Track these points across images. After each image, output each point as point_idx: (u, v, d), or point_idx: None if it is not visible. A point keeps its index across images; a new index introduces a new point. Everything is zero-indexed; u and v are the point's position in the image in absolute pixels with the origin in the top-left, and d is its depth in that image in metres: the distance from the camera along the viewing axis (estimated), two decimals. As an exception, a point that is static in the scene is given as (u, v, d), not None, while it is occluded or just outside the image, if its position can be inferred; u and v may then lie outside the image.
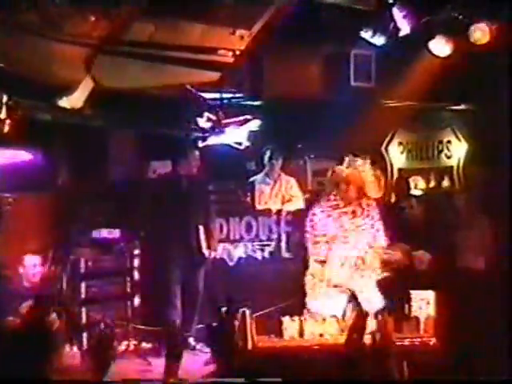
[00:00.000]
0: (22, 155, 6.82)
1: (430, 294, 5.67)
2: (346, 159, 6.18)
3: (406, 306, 5.63)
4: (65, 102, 5.91)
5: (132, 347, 7.27)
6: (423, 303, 5.62)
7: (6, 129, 5.81)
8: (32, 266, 6.63)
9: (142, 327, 7.35)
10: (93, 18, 5.48)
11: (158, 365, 6.82)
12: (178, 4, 5.52)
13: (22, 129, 5.94)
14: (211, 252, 7.41)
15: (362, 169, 6.15)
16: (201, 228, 7.39)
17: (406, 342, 5.53)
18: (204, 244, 7.39)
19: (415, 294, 5.69)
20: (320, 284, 5.89)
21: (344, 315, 5.72)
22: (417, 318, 5.59)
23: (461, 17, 6.53)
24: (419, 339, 5.54)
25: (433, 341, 5.52)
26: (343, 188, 6.09)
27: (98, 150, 7.45)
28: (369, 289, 5.81)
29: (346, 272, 5.89)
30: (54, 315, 6.52)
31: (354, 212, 6.09)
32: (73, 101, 5.89)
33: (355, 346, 5.19)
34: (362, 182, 6.07)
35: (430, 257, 6.90)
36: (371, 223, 6.09)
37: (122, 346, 7.23)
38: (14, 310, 6.45)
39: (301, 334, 5.64)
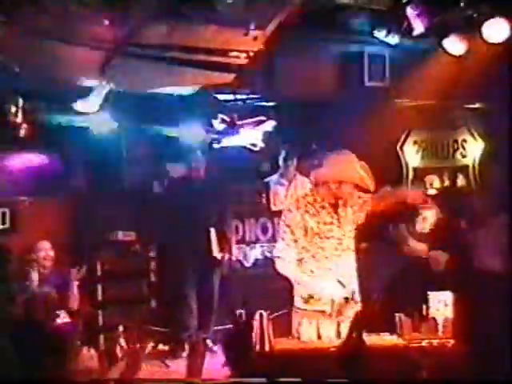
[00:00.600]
0: (38, 158, 6.87)
1: (447, 296, 5.62)
2: None
3: (424, 306, 5.59)
4: (80, 106, 5.93)
5: (149, 349, 7.30)
6: (441, 304, 5.58)
7: (23, 132, 5.84)
8: (44, 250, 6.66)
9: (159, 329, 7.37)
10: (107, 22, 5.48)
11: (176, 367, 6.86)
12: (192, 6, 5.51)
13: (37, 132, 5.96)
14: (227, 254, 7.42)
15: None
16: (213, 231, 7.40)
17: (424, 344, 5.49)
18: (219, 246, 7.40)
19: (433, 295, 5.63)
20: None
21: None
22: (435, 320, 5.54)
23: (475, 15, 6.49)
24: (437, 341, 5.49)
25: (451, 342, 5.48)
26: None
27: (113, 153, 7.46)
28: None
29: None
30: (65, 315, 6.57)
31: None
32: (88, 104, 5.91)
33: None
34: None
35: (447, 257, 6.87)
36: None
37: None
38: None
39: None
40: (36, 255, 6.71)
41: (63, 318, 6.63)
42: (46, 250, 6.72)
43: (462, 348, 5.43)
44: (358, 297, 5.66)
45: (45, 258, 6.71)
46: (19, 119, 5.80)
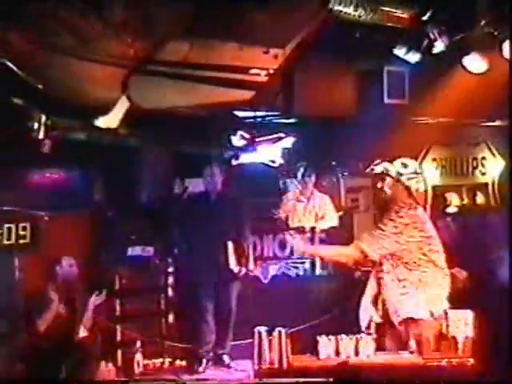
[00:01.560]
0: (59, 174, 6.92)
1: (468, 314, 5.58)
2: None
3: (444, 325, 5.55)
4: (101, 122, 5.97)
5: (167, 364, 7.30)
6: (461, 323, 5.54)
7: (45, 148, 5.89)
8: (68, 266, 6.70)
9: (176, 344, 7.37)
10: (128, 39, 5.54)
11: (193, 383, 6.85)
12: (213, 24, 5.56)
13: (59, 148, 6.01)
14: (243, 269, 7.42)
15: None
16: (233, 245, 7.41)
17: (444, 363, 5.45)
18: (236, 261, 7.40)
19: (453, 314, 5.60)
20: None
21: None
22: (454, 338, 5.51)
23: (495, 33, 6.49)
24: (457, 359, 5.45)
25: (471, 361, 5.44)
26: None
27: (132, 169, 7.51)
28: None
29: None
30: (84, 330, 6.58)
31: None
32: (108, 120, 5.95)
33: None
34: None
35: (466, 274, 6.83)
36: None
37: (157, 364, 7.29)
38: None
39: (337, 353, 5.59)
40: (60, 270, 6.73)
41: (82, 332, 6.66)
42: (70, 265, 6.76)
43: (482, 368, 5.39)
44: None
45: (69, 274, 6.73)
46: (41, 135, 5.86)
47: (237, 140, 7.05)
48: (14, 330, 6.51)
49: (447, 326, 5.54)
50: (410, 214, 5.57)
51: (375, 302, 5.65)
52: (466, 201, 8.63)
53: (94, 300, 6.62)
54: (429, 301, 5.52)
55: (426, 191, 8.78)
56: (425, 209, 8.60)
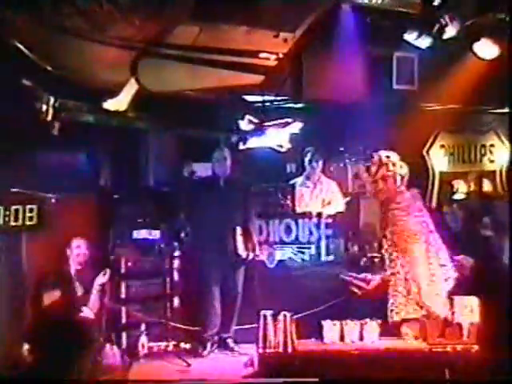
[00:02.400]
0: (67, 156, 6.92)
1: (473, 301, 5.59)
2: None
3: (449, 312, 5.57)
4: (109, 104, 5.96)
5: (171, 347, 7.33)
6: (466, 310, 5.55)
7: (52, 130, 5.89)
8: (77, 248, 6.75)
9: (181, 326, 7.39)
10: (137, 22, 5.52)
11: (197, 366, 6.88)
12: (222, 7, 5.53)
13: (67, 130, 6.01)
14: (249, 254, 7.42)
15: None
16: (240, 230, 7.42)
17: (449, 349, 5.47)
18: (243, 246, 7.41)
19: (458, 300, 5.61)
20: None
21: None
22: (459, 325, 5.52)
23: (506, 19, 6.44)
24: (462, 346, 5.47)
25: (475, 348, 5.46)
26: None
27: (140, 152, 7.50)
28: None
29: None
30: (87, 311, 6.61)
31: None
32: (117, 103, 5.94)
33: None
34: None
35: (472, 262, 6.83)
36: None
37: (161, 346, 7.31)
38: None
39: (341, 338, 5.61)
40: (71, 252, 6.79)
41: (86, 313, 6.68)
42: (81, 247, 6.82)
43: (486, 354, 5.41)
44: None
45: (78, 255, 6.79)
46: (50, 117, 5.86)
47: (245, 124, 7.03)
48: (20, 311, 6.54)
49: (452, 312, 5.56)
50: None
51: None
52: (473, 188, 8.61)
53: (98, 279, 6.68)
54: None
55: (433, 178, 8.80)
56: (431, 195, 8.66)
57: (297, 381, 5.10)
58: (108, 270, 6.71)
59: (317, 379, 4.94)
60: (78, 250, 6.82)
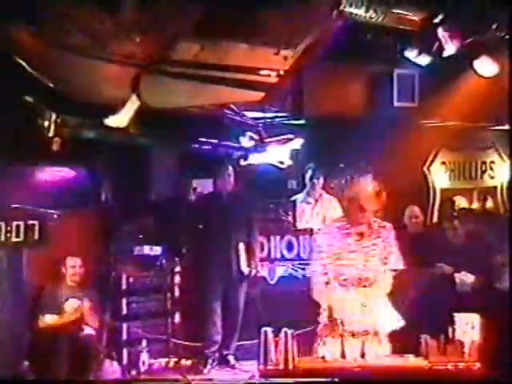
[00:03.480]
0: (68, 172, 6.94)
1: (474, 318, 5.57)
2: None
3: (450, 329, 5.54)
4: (111, 121, 5.98)
5: (172, 364, 7.31)
6: (468, 327, 5.53)
7: (54, 146, 5.91)
8: (72, 267, 6.74)
9: (182, 342, 7.38)
10: (139, 38, 5.55)
11: (198, 382, 6.86)
12: (224, 24, 5.56)
13: (68, 146, 6.03)
14: (252, 270, 7.42)
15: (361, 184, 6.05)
16: (242, 246, 7.42)
17: (450, 366, 5.44)
18: (245, 262, 7.41)
19: (459, 317, 5.59)
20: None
21: None
22: (461, 342, 5.50)
23: (506, 36, 6.47)
24: (463, 363, 5.44)
25: (477, 365, 5.43)
26: (346, 207, 6.08)
27: (141, 168, 7.52)
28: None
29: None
30: (89, 329, 6.60)
31: (361, 234, 5.99)
32: (118, 119, 5.96)
33: None
34: (360, 197, 5.96)
35: (473, 278, 6.82)
36: (383, 245, 5.98)
37: (162, 363, 7.29)
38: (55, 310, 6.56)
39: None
40: (66, 270, 6.80)
41: (87, 330, 6.68)
42: (76, 266, 6.82)
43: (488, 372, 5.38)
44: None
45: (74, 274, 6.80)
46: (51, 133, 5.88)
47: (246, 141, 7.05)
48: (20, 326, 6.53)
49: (454, 329, 5.54)
50: None
51: None
52: (474, 204, 8.61)
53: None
54: None
55: (434, 194, 8.80)
56: (432, 212, 8.66)
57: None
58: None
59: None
60: (73, 270, 6.81)
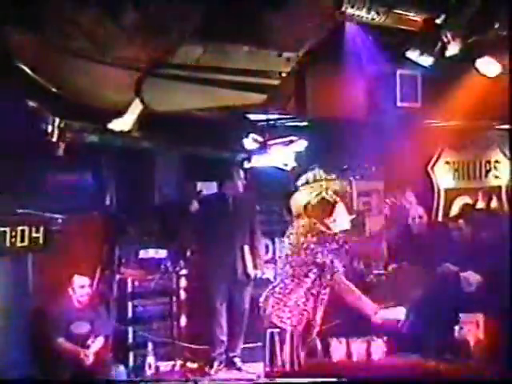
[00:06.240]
0: (73, 177, 6.95)
1: (479, 317, 5.57)
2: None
3: (456, 328, 5.55)
4: (114, 125, 5.99)
5: (178, 367, 7.31)
6: (473, 326, 5.54)
7: (58, 151, 5.93)
8: (80, 287, 6.71)
9: (188, 345, 7.39)
10: (141, 42, 5.56)
11: (204, 384, 6.88)
12: (226, 27, 5.57)
13: (72, 151, 6.05)
14: (257, 272, 7.43)
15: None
16: (247, 248, 7.43)
17: (455, 365, 5.45)
18: (250, 264, 7.41)
19: (464, 317, 5.60)
20: None
21: None
22: (466, 341, 5.51)
23: (509, 36, 6.45)
24: (469, 362, 5.45)
25: (482, 364, 5.43)
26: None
27: (145, 171, 7.53)
28: None
29: None
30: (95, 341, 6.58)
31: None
32: (122, 123, 5.97)
33: None
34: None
35: (478, 278, 6.81)
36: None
37: (168, 366, 7.30)
38: (63, 330, 6.55)
39: (348, 356, 5.60)
40: (73, 290, 6.75)
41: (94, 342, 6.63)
42: (84, 286, 6.76)
43: (493, 370, 5.39)
44: None
45: (82, 295, 6.73)
46: (55, 138, 5.89)
47: (249, 143, 7.05)
48: (25, 331, 6.54)
49: (459, 328, 5.55)
50: None
51: None
52: (479, 204, 8.59)
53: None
54: None
55: (438, 194, 8.79)
56: (437, 212, 8.66)
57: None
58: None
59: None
60: (82, 290, 6.75)
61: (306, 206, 5.73)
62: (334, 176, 5.96)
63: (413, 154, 8.03)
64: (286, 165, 7.19)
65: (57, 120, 5.89)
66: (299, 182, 5.89)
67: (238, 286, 7.37)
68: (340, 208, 5.86)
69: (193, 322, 7.50)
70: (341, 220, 5.98)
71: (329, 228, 5.76)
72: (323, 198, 5.76)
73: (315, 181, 5.86)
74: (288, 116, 7.44)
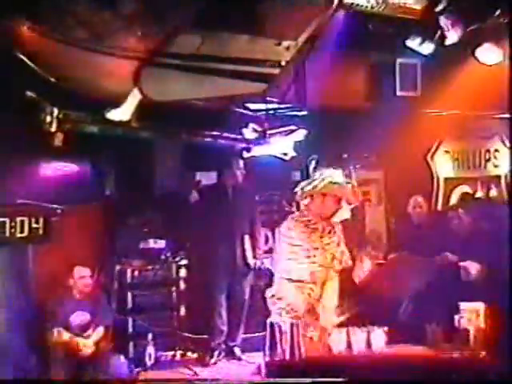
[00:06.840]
0: (71, 167, 6.94)
1: (479, 306, 5.58)
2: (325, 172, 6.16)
3: (456, 317, 5.55)
4: (113, 115, 5.98)
5: (178, 357, 7.33)
6: (473, 315, 5.54)
7: (57, 141, 5.91)
8: (80, 278, 6.71)
9: (189, 335, 7.40)
10: (139, 32, 5.54)
11: (204, 375, 6.89)
12: (224, 16, 5.55)
13: (71, 141, 6.03)
14: (256, 262, 7.44)
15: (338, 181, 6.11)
16: (246, 238, 7.43)
17: (455, 355, 5.45)
18: (250, 254, 7.42)
19: (465, 306, 5.60)
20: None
21: None
22: (466, 330, 5.51)
23: (509, 23, 6.43)
24: (469, 352, 5.45)
25: (483, 354, 5.44)
26: (318, 201, 6.11)
27: (144, 162, 7.52)
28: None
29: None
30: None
31: (322, 229, 6.07)
32: (120, 113, 5.95)
33: None
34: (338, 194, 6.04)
35: (478, 267, 6.81)
36: (337, 241, 6.05)
37: (168, 356, 7.32)
38: (63, 320, 6.56)
39: (349, 346, 5.61)
40: (74, 281, 6.73)
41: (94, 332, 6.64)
42: (85, 277, 6.75)
43: (494, 360, 5.39)
44: None
45: (82, 286, 6.73)
46: (53, 128, 5.87)
47: (249, 133, 7.04)
48: (26, 322, 6.55)
49: (459, 318, 5.55)
50: None
51: None
52: (478, 193, 8.58)
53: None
54: None
55: (438, 183, 8.78)
56: (436, 201, 8.65)
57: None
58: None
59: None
60: (82, 281, 6.74)
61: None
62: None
63: (412, 143, 8.02)
64: (285, 154, 7.19)
65: (55, 110, 5.87)
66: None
67: (238, 276, 7.38)
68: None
69: (193, 312, 7.51)
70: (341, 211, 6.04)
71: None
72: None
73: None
74: (287, 105, 7.42)
